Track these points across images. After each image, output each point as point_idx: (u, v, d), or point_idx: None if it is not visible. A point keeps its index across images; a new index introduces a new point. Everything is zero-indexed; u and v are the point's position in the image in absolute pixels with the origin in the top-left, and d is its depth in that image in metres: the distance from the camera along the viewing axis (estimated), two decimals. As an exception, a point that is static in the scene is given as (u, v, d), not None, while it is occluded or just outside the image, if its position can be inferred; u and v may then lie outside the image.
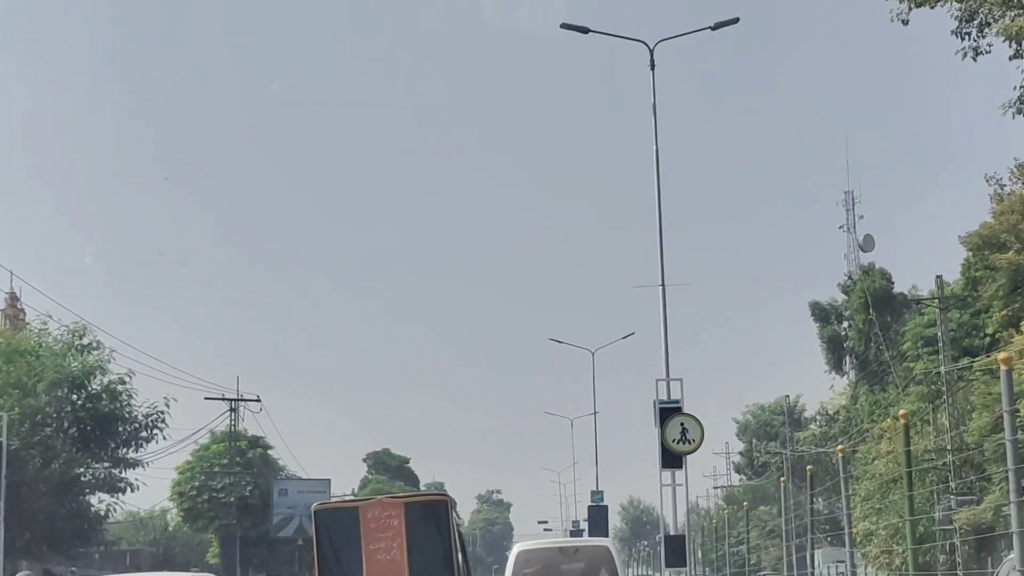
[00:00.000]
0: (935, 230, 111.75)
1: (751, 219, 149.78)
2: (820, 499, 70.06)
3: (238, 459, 52.84)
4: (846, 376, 64.18)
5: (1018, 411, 13.95)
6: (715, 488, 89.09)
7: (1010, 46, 20.01)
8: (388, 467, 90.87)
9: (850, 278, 64.38)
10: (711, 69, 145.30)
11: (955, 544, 36.23)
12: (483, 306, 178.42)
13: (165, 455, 46.21)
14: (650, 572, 75.06)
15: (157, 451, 46.92)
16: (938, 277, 37.87)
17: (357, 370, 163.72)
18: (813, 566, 51.51)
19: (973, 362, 37.98)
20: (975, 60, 21.84)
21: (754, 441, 78.97)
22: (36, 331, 40.83)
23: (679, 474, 20.30)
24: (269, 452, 56.48)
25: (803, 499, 66.43)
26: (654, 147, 22.63)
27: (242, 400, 51.01)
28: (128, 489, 39.76)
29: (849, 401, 61.62)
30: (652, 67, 22.69)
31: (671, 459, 19.68)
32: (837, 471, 62.62)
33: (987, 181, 35.46)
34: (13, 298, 44.33)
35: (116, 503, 40.80)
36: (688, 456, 19.78)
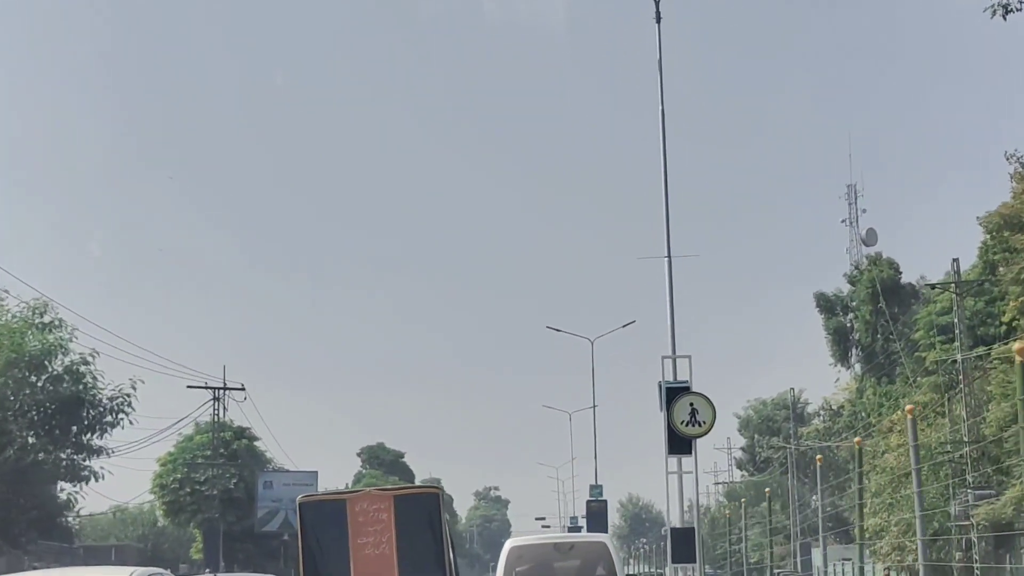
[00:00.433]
0: (940, 224, 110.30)
1: (752, 214, 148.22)
2: (821, 495, 68.80)
3: (222, 451, 50.89)
4: (852, 369, 62.80)
5: None
6: (716, 484, 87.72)
7: None
8: (383, 462, 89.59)
9: (856, 268, 62.89)
10: (710, 70, 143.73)
11: (972, 540, 34.64)
12: (479, 299, 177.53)
13: (148, 444, 44.43)
14: (652, 569, 73.43)
15: (138, 441, 45.15)
16: (954, 260, 36.24)
17: (351, 365, 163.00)
18: (824, 563, 50.22)
19: (989, 349, 36.26)
20: (1005, 19, 20.16)
21: (756, 436, 77.84)
22: None
23: (687, 461, 18.52)
24: (256, 444, 54.70)
25: (806, 496, 65.41)
26: (660, 107, 21.02)
27: (225, 388, 48.93)
28: (93, 478, 37.51)
29: (855, 395, 60.18)
30: (658, 20, 21.00)
31: (679, 444, 17.87)
32: (841, 467, 61.24)
33: (1007, 159, 33.75)
34: None
35: (78, 493, 38.45)
36: (697, 440, 17.93)
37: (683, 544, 17.86)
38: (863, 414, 57.16)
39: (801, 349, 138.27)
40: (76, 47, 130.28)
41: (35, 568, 36.04)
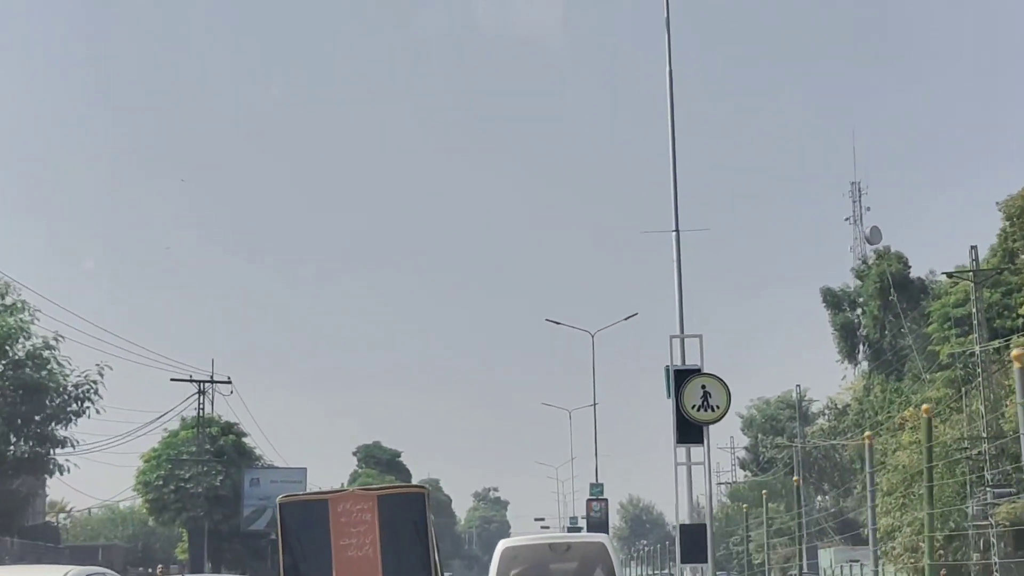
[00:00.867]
0: (943, 223, 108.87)
1: (754, 212, 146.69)
2: (828, 496, 67.41)
3: (208, 447, 49.11)
4: (859, 366, 61.48)
5: None
6: (719, 484, 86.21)
7: None
8: (379, 461, 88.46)
9: (864, 262, 61.43)
10: (711, 68, 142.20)
11: (991, 540, 33.11)
12: (477, 294, 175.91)
13: (131, 440, 42.66)
14: (656, 571, 71.90)
15: (121, 436, 43.52)
16: (972, 247, 34.68)
17: (349, 363, 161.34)
18: (832, 565, 48.73)
19: (1008, 340, 34.67)
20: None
21: (760, 436, 76.55)
22: None
23: (697, 452, 16.89)
24: (244, 441, 52.79)
25: (811, 496, 63.92)
26: (667, 67, 19.43)
27: (211, 381, 47.06)
28: (58, 471, 35.42)
29: (862, 392, 58.80)
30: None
31: (689, 432, 16.23)
32: (847, 467, 59.59)
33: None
34: None
35: (40, 485, 36.23)
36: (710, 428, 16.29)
37: (693, 542, 16.21)
38: (870, 412, 55.88)
39: (804, 347, 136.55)
40: (63, 43, 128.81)
41: None
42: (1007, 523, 31.95)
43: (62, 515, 71.14)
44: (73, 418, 35.65)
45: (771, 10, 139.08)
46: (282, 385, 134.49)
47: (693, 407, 15.76)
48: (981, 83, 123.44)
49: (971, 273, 34.48)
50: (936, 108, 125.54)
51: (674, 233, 18.80)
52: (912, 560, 37.52)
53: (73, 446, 35.43)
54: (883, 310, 56.71)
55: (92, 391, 35.75)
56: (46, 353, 34.98)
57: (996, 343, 35.19)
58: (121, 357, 50.69)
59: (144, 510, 52.52)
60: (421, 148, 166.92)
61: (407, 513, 11.35)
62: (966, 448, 34.36)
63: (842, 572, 50.01)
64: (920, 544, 36.37)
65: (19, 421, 34.93)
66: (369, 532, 11.07)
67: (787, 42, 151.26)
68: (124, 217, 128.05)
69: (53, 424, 35.57)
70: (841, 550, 52.46)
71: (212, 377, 47.05)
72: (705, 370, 16.35)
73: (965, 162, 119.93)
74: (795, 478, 48.32)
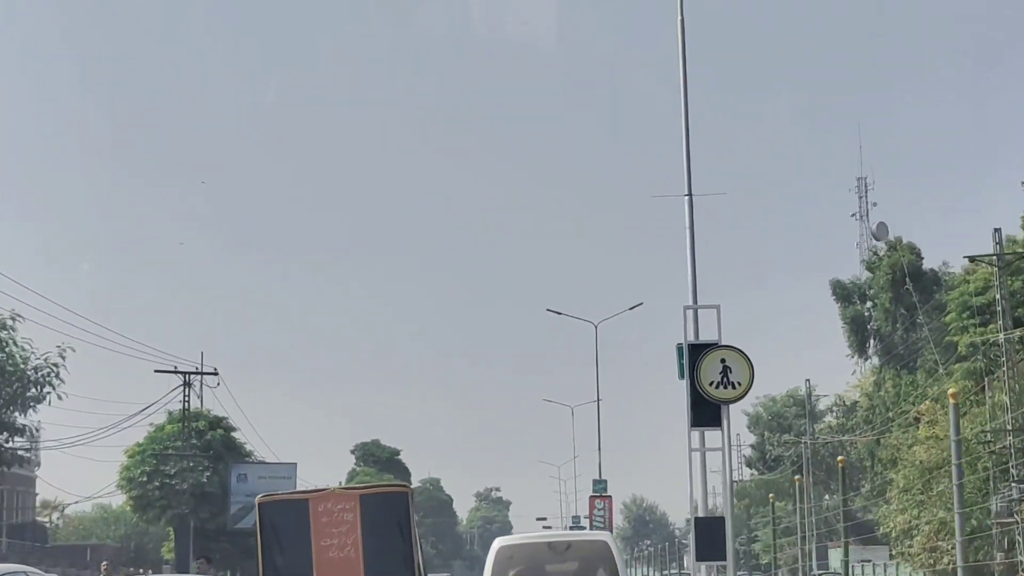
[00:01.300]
0: (949, 221, 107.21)
1: (757, 210, 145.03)
2: (836, 495, 65.82)
3: (195, 441, 47.23)
4: (869, 360, 59.90)
5: None
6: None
7: None
8: (378, 459, 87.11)
9: (876, 254, 59.79)
10: (712, 66, 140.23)
11: (1017, 539, 31.51)
12: (476, 289, 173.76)
13: (113, 433, 40.94)
14: (667, 572, 70.36)
15: (103, 429, 41.92)
16: (996, 230, 33.03)
17: (346, 360, 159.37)
18: (844, 568, 47.08)
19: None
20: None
21: (766, 434, 75.20)
22: None
23: (713, 437, 15.16)
24: (234, 435, 50.95)
25: (820, 495, 62.37)
26: (679, 16, 17.77)
27: (198, 373, 45.26)
28: (17, 462, 33.37)
29: (873, 388, 57.19)
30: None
31: (705, 413, 14.46)
32: (856, 464, 57.77)
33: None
34: None
35: (29, 484, 34.55)
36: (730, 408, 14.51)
37: (711, 538, 14.47)
38: (881, 408, 54.32)
39: (811, 343, 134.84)
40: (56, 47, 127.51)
41: None
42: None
43: (55, 514, 70.01)
44: (33, 405, 33.45)
45: (772, 7, 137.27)
46: (280, 382, 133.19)
47: (711, 384, 13.99)
48: (983, 72, 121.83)
49: (995, 257, 32.81)
50: (936, 108, 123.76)
51: (687, 197, 17.16)
52: (931, 560, 35.90)
53: (33, 434, 33.43)
54: (895, 303, 55.24)
55: (53, 375, 33.46)
56: (3, 334, 32.72)
57: (1021, 331, 33.52)
58: (111, 350, 49.10)
59: (128, 506, 50.81)
60: (418, 146, 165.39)
61: (390, 513, 11.16)
62: (989, 441, 32.68)
63: (854, 573, 48.41)
64: (940, 543, 34.83)
65: None
66: (351, 532, 10.91)
67: (787, 42, 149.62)
68: (124, 217, 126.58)
69: (11, 410, 33.25)
70: (851, 550, 50.90)
71: (199, 369, 45.29)
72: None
73: (969, 161, 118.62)
74: (796, 477, 46.91)
